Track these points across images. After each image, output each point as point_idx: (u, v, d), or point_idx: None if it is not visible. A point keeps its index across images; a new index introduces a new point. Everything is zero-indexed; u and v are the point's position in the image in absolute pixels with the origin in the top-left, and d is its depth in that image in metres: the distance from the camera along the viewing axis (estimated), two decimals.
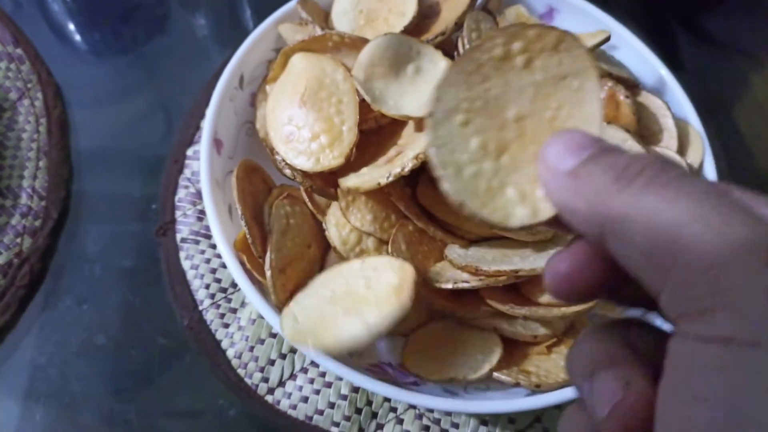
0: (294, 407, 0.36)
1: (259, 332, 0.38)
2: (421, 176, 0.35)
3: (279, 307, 0.32)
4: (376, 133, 0.35)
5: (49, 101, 0.46)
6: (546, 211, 0.17)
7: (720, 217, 0.13)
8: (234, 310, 0.39)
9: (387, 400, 0.36)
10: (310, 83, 0.35)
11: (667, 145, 0.38)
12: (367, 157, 0.34)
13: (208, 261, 0.40)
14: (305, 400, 0.36)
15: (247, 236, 0.33)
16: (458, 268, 0.33)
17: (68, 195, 0.43)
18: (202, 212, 0.42)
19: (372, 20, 0.39)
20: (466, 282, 0.32)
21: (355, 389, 0.36)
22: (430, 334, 0.34)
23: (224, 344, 0.38)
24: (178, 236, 0.41)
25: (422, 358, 0.33)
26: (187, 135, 0.45)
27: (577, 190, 0.16)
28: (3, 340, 0.38)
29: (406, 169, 0.30)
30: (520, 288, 0.34)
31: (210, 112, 0.38)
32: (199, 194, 0.42)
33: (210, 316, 0.39)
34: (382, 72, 0.34)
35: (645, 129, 0.39)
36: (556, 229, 0.18)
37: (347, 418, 0.36)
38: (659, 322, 0.17)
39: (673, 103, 0.40)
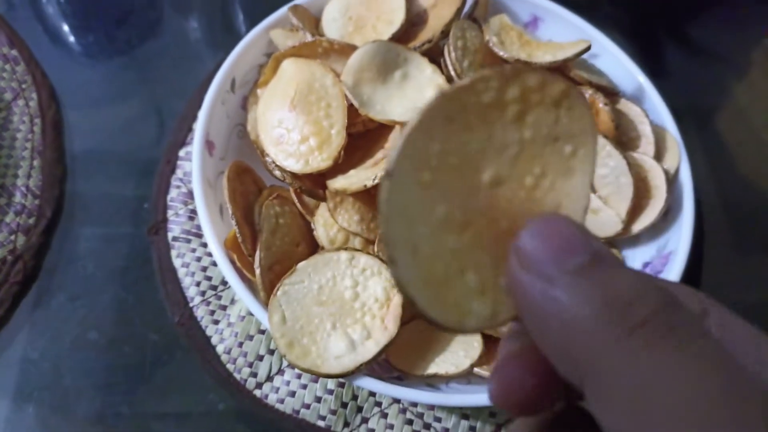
0: (282, 401, 0.37)
1: (248, 329, 0.39)
2: None
3: (268, 304, 0.33)
4: (363, 136, 0.37)
5: (43, 102, 0.47)
6: (508, 311, 0.15)
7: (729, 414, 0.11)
8: (224, 307, 0.40)
9: (372, 394, 0.37)
10: (300, 87, 0.36)
11: (645, 151, 0.40)
12: (354, 160, 0.35)
13: (199, 259, 0.41)
14: (292, 394, 0.37)
15: (238, 235, 0.34)
16: None
17: (62, 194, 0.44)
18: (194, 212, 0.43)
19: (361, 27, 0.40)
20: None
21: (341, 384, 0.37)
22: (414, 331, 0.35)
23: (214, 340, 0.39)
24: (170, 235, 0.42)
25: (406, 354, 0.34)
26: (180, 136, 0.46)
27: (554, 309, 0.13)
28: None
29: None
30: None
31: (202, 114, 0.39)
32: (190, 194, 0.43)
33: (200, 312, 0.39)
34: (370, 78, 0.36)
35: (623, 135, 0.40)
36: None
37: (333, 412, 0.37)
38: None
39: (651, 110, 0.41)
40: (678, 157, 0.40)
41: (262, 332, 0.39)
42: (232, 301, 0.40)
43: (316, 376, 0.31)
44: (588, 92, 0.40)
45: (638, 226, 0.38)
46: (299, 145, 0.35)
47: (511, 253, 0.14)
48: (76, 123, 0.47)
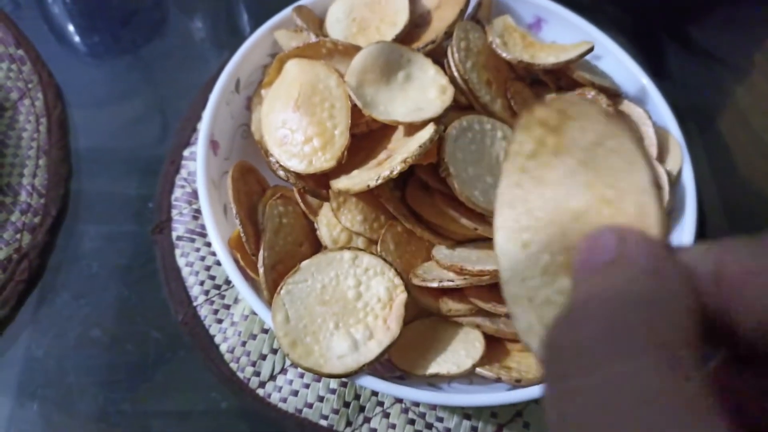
0: (284, 400, 0.37)
1: (251, 328, 0.39)
2: (409, 179, 0.36)
3: (271, 303, 0.33)
4: (366, 137, 0.37)
5: (49, 101, 0.47)
6: None
7: None
8: (227, 307, 0.40)
9: (374, 394, 0.37)
10: (304, 88, 0.36)
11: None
12: (357, 160, 0.36)
13: (202, 258, 0.41)
14: (295, 393, 0.37)
15: (242, 235, 0.35)
16: (444, 267, 0.34)
17: (67, 193, 0.44)
18: (198, 211, 0.43)
19: (364, 28, 0.40)
20: (451, 281, 0.33)
21: (344, 383, 0.38)
22: (417, 330, 0.35)
23: (217, 339, 0.39)
24: (174, 234, 0.42)
25: (408, 354, 0.34)
26: (184, 136, 0.46)
27: None
28: (2, 333, 0.39)
29: (395, 173, 0.32)
30: None
31: (207, 114, 0.39)
32: (194, 194, 0.44)
33: (204, 311, 0.40)
34: (374, 78, 0.36)
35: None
36: None
37: (335, 411, 0.37)
38: None
39: (654, 112, 0.42)
40: (680, 158, 0.40)
41: (266, 331, 0.39)
42: (236, 301, 0.40)
43: (319, 375, 0.31)
44: (591, 93, 0.40)
45: None
46: (303, 145, 0.35)
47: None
48: (82, 122, 0.48)
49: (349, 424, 0.37)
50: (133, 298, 0.41)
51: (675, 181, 0.39)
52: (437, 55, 0.38)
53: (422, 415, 0.37)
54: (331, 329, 0.32)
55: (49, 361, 0.39)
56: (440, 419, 0.37)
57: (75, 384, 0.38)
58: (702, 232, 0.44)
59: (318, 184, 0.36)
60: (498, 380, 0.33)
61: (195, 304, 0.40)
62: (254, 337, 0.39)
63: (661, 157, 0.40)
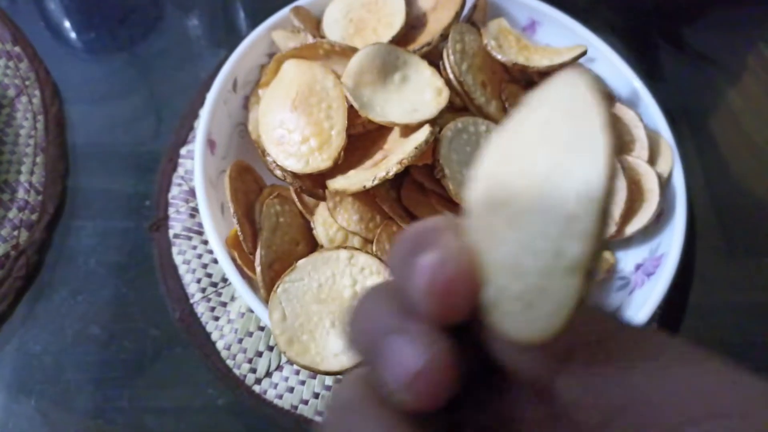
0: (280, 397, 0.38)
1: (247, 325, 0.40)
2: (405, 179, 0.37)
3: (268, 301, 0.34)
4: (363, 137, 0.37)
5: (46, 99, 0.47)
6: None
7: None
8: (224, 304, 0.40)
9: None
10: (301, 89, 0.37)
11: (639, 155, 0.40)
12: (354, 161, 0.36)
13: (199, 256, 0.42)
14: (291, 390, 0.38)
15: (239, 233, 0.35)
16: None
17: (64, 190, 0.45)
18: (195, 209, 0.43)
19: (361, 30, 0.41)
20: None
21: (339, 380, 0.38)
22: None
23: (214, 336, 0.39)
24: (171, 232, 0.43)
25: None
26: (181, 135, 0.47)
27: None
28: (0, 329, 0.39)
29: (391, 173, 0.32)
30: None
31: (204, 113, 0.40)
32: (192, 192, 0.44)
33: (201, 309, 0.40)
34: (370, 80, 0.36)
35: (618, 139, 0.41)
36: None
37: None
38: None
39: (646, 115, 0.42)
40: (671, 161, 0.41)
41: (262, 329, 0.40)
42: (233, 298, 0.41)
43: (315, 373, 0.32)
44: None
45: (631, 229, 0.39)
46: (300, 145, 0.35)
47: None
48: (79, 119, 0.48)
49: None
50: (130, 295, 0.41)
51: (666, 183, 0.40)
52: (433, 57, 0.39)
53: None
54: (327, 327, 0.32)
55: (46, 358, 0.39)
56: None
57: (72, 380, 0.38)
58: (692, 232, 0.45)
59: (315, 183, 0.36)
60: None
61: (192, 301, 0.40)
62: (250, 334, 0.39)
63: (653, 159, 0.41)
